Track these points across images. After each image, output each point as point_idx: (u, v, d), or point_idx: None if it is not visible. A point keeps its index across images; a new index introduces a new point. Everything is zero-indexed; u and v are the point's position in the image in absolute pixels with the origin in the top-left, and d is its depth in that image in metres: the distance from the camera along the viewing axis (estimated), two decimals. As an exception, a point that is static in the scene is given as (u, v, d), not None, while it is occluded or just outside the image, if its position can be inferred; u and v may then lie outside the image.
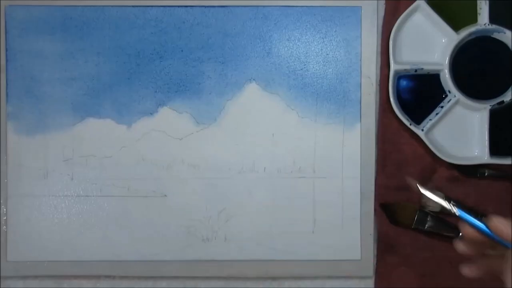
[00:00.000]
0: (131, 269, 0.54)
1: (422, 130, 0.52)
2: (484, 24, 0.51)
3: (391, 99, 0.51)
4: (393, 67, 0.51)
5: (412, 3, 0.52)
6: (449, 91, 0.52)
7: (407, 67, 0.52)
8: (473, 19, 0.52)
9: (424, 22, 0.52)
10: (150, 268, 0.54)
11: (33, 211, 0.54)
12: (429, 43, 0.53)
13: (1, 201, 0.54)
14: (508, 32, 0.51)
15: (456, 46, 0.51)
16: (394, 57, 0.52)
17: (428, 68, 0.52)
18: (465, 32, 0.51)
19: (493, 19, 0.51)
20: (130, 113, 0.53)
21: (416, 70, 0.52)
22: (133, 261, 0.54)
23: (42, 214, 0.54)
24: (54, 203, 0.54)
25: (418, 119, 0.52)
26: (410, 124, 0.52)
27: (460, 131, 0.53)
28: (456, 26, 0.52)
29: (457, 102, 0.52)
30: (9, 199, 0.54)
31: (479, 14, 0.52)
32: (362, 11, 0.53)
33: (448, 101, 0.52)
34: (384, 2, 0.53)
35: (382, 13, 0.53)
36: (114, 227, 0.54)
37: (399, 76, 0.53)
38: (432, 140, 0.52)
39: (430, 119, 0.52)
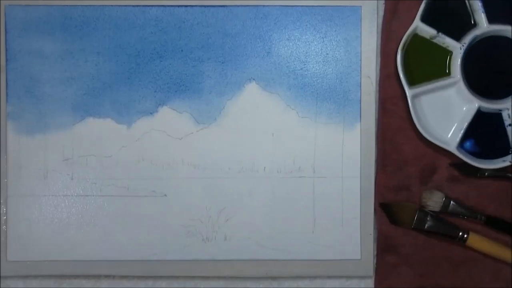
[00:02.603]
0: (131, 269, 0.54)
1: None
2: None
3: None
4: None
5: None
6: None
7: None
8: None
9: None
10: (150, 268, 0.54)
11: (33, 211, 0.54)
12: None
13: (1, 201, 0.54)
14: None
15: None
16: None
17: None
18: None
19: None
20: (130, 113, 0.53)
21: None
22: (133, 261, 0.54)
23: (42, 214, 0.54)
24: (54, 203, 0.54)
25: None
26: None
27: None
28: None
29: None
30: (9, 199, 0.54)
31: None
32: (362, 11, 0.53)
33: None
34: (383, 1, 0.53)
35: (382, 12, 0.53)
36: (114, 227, 0.54)
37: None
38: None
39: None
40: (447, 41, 0.51)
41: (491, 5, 0.51)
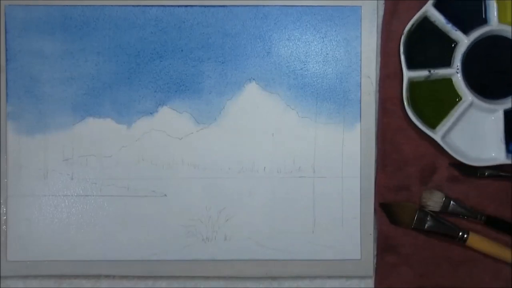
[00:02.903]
0: (131, 269, 0.54)
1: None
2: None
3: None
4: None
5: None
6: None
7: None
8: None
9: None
10: (150, 268, 0.54)
11: (33, 211, 0.54)
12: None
13: (1, 201, 0.54)
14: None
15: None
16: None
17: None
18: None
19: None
20: (130, 113, 0.53)
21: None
22: (133, 261, 0.54)
23: (42, 214, 0.54)
24: (54, 203, 0.54)
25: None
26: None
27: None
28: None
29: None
30: (9, 199, 0.54)
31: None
32: (362, 11, 0.53)
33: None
34: (383, 1, 0.53)
35: (382, 12, 0.53)
36: (114, 227, 0.54)
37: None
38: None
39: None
40: (441, 73, 0.52)
41: (459, 18, 0.51)
